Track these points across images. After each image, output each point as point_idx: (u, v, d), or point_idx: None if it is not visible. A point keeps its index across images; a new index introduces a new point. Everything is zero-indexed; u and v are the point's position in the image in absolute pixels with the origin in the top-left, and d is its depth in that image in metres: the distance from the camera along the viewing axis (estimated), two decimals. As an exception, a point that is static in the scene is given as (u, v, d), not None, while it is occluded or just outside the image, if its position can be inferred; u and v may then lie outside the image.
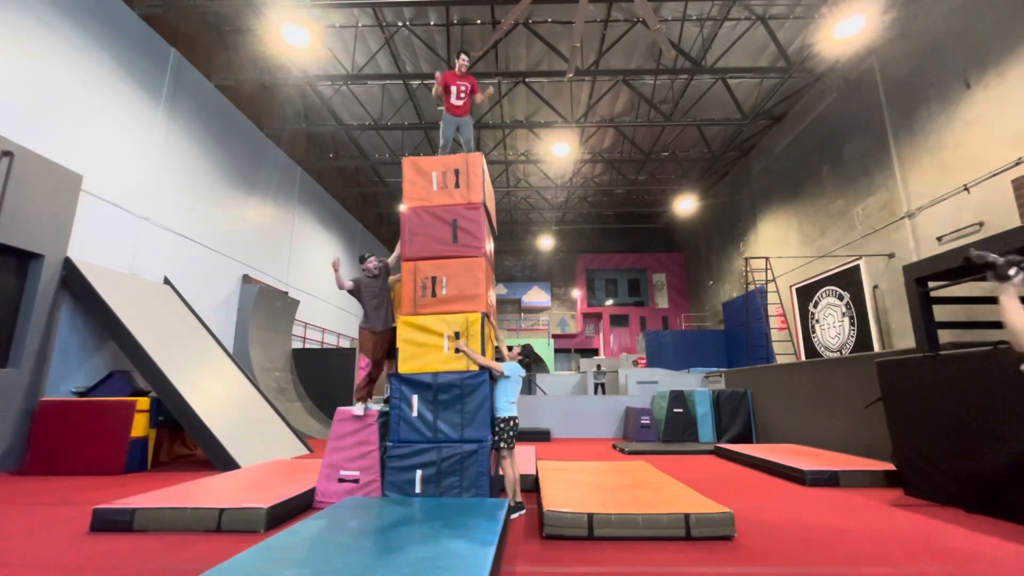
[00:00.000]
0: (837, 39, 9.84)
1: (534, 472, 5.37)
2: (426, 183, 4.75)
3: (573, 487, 4.42)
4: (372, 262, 4.82)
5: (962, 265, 4.32)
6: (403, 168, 4.83)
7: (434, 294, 4.45)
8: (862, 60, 10.77)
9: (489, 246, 5.03)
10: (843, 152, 11.56)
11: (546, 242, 24.29)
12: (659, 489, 4.40)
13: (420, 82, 12.56)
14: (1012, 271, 1.85)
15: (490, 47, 10.39)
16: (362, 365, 4.51)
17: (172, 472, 6.34)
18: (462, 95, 5.47)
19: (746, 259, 14.91)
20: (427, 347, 4.31)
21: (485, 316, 4.45)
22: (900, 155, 9.83)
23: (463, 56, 5.52)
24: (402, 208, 4.81)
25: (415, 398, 4.18)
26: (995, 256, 1.87)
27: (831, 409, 7.36)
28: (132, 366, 7.15)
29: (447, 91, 5.47)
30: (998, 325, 5.48)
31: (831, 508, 4.49)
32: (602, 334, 24.67)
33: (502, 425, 4.11)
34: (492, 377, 4.34)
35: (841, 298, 11.11)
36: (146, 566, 2.96)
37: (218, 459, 6.30)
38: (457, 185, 4.71)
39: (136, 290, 8.00)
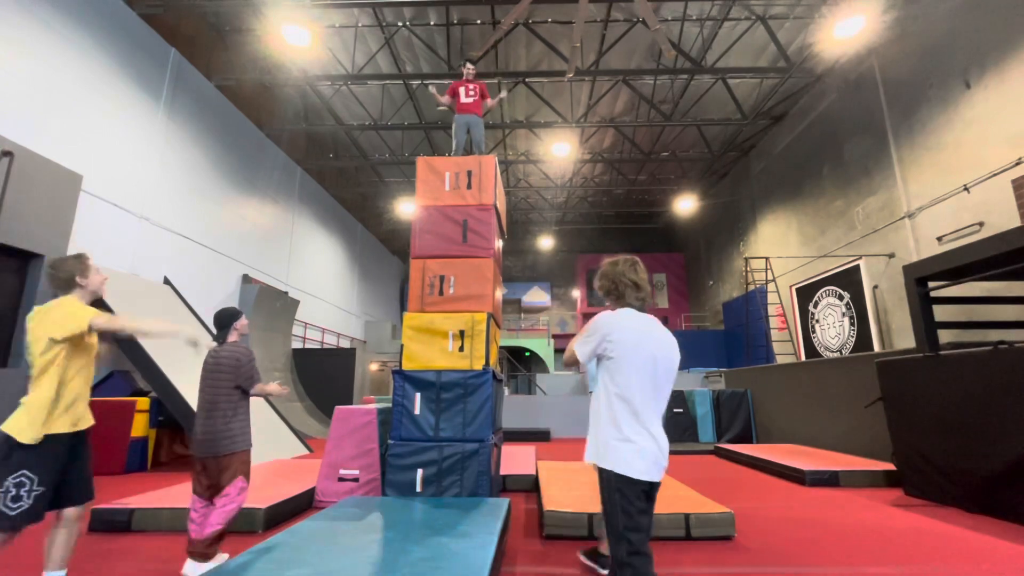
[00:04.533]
0: (837, 39, 9.83)
1: (534, 472, 5.38)
2: (439, 182, 4.77)
3: (573, 487, 4.42)
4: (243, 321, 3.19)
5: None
6: (417, 167, 4.85)
7: (441, 292, 4.46)
8: (862, 60, 10.77)
9: (498, 246, 5.04)
10: (843, 152, 11.56)
11: (546, 242, 24.28)
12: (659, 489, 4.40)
13: (420, 82, 12.55)
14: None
15: (490, 47, 10.38)
16: (237, 494, 2.89)
17: (172, 472, 6.34)
18: (471, 93, 5.66)
19: (746, 259, 14.91)
20: (431, 345, 4.31)
21: (491, 316, 4.46)
22: (900, 155, 9.83)
23: (468, 65, 5.80)
24: (413, 205, 4.82)
25: (417, 396, 4.17)
26: None
27: (831, 409, 7.36)
28: (132, 366, 7.15)
29: (456, 94, 5.63)
30: (998, 325, 5.51)
31: (831, 508, 4.49)
32: (602, 334, 24.66)
33: None
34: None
35: (841, 298, 11.11)
36: (146, 566, 2.97)
37: (218, 459, 6.29)
38: (469, 186, 4.74)
39: (136, 290, 8.00)
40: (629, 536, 1.78)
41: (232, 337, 3.10)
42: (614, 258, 2.19)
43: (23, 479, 2.17)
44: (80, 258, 2.57)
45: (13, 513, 2.13)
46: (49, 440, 2.26)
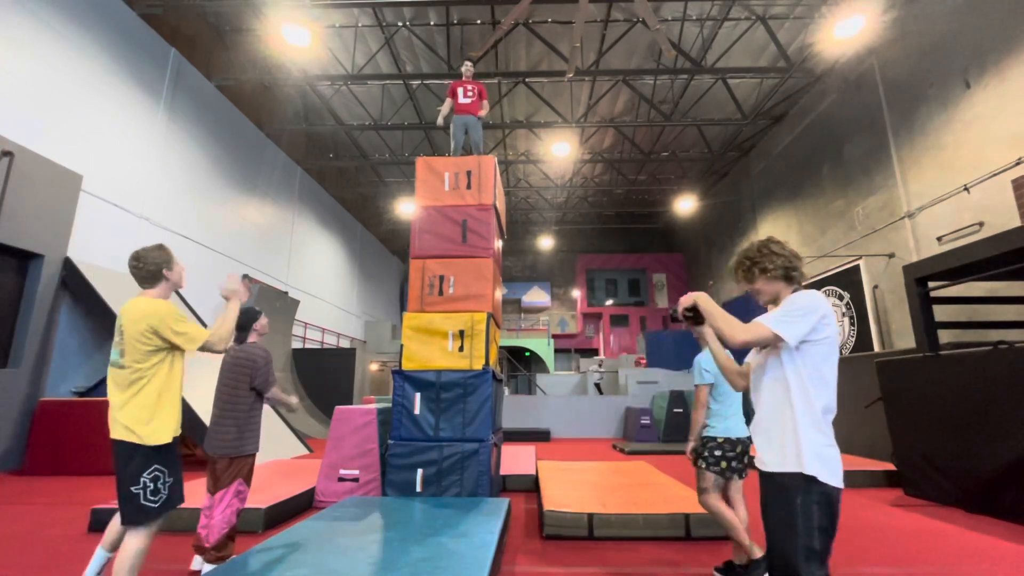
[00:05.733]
0: (837, 39, 9.83)
1: (534, 472, 5.38)
2: (438, 183, 4.77)
3: (573, 487, 4.42)
4: (263, 321, 3.21)
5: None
6: (416, 167, 4.86)
7: (441, 292, 4.47)
8: (862, 60, 10.77)
9: (497, 246, 5.04)
10: (843, 152, 11.56)
11: (546, 242, 24.28)
12: (659, 489, 4.41)
13: (420, 82, 12.56)
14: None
15: (490, 47, 10.38)
16: (237, 500, 2.88)
17: (172, 472, 6.33)
18: (469, 94, 5.67)
19: (746, 259, 14.89)
20: (431, 345, 4.32)
21: (491, 316, 4.46)
22: (900, 155, 9.83)
23: (467, 64, 5.84)
24: (412, 206, 4.82)
25: (417, 396, 4.18)
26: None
27: (831, 409, 7.35)
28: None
29: (455, 95, 5.64)
30: (998, 325, 5.52)
31: (831, 508, 4.48)
32: (602, 334, 24.67)
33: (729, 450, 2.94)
34: None
35: (841, 298, 11.11)
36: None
37: (218, 459, 6.30)
38: (469, 186, 4.75)
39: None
40: (823, 558, 1.53)
41: (252, 337, 3.12)
42: (763, 239, 1.91)
43: (157, 473, 2.20)
44: (163, 248, 2.42)
45: (155, 506, 2.19)
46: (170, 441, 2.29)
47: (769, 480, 1.64)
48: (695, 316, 1.92)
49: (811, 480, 1.56)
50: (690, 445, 3.02)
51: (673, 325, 22.17)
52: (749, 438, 2.91)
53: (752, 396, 1.82)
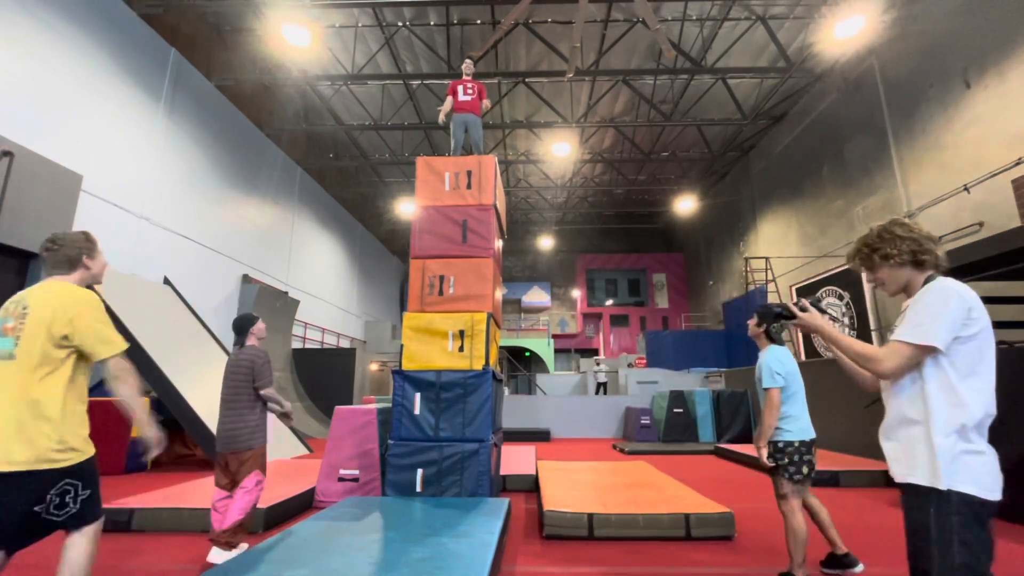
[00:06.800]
0: (837, 39, 9.83)
1: (534, 472, 5.38)
2: (438, 183, 4.78)
3: (573, 487, 4.42)
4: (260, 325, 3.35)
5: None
6: (416, 167, 4.86)
7: (441, 292, 4.47)
8: (862, 60, 10.77)
9: (498, 246, 5.04)
10: (843, 152, 11.57)
11: (546, 242, 24.29)
12: (659, 489, 4.41)
13: (420, 82, 12.56)
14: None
15: (490, 47, 10.38)
16: (254, 486, 3.06)
17: (172, 472, 6.34)
18: (469, 91, 5.65)
19: (746, 259, 14.92)
20: (431, 345, 4.32)
21: (491, 316, 4.46)
22: (900, 155, 9.83)
23: (467, 62, 5.86)
24: (413, 206, 4.82)
25: (417, 396, 4.18)
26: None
27: (831, 409, 7.35)
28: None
29: (455, 93, 5.64)
30: (998, 325, 5.47)
31: (831, 508, 4.48)
32: (602, 334, 24.67)
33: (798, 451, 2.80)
34: None
35: (841, 298, 11.12)
36: (146, 566, 2.97)
37: (218, 459, 6.30)
38: (469, 186, 4.75)
39: (136, 290, 8.00)
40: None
41: (251, 341, 3.28)
42: (888, 221, 1.65)
43: (67, 487, 1.90)
44: (88, 236, 2.17)
45: (60, 519, 1.91)
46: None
47: (902, 490, 1.53)
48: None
49: (951, 492, 1.41)
50: (764, 452, 2.82)
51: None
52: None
53: (885, 399, 1.67)
